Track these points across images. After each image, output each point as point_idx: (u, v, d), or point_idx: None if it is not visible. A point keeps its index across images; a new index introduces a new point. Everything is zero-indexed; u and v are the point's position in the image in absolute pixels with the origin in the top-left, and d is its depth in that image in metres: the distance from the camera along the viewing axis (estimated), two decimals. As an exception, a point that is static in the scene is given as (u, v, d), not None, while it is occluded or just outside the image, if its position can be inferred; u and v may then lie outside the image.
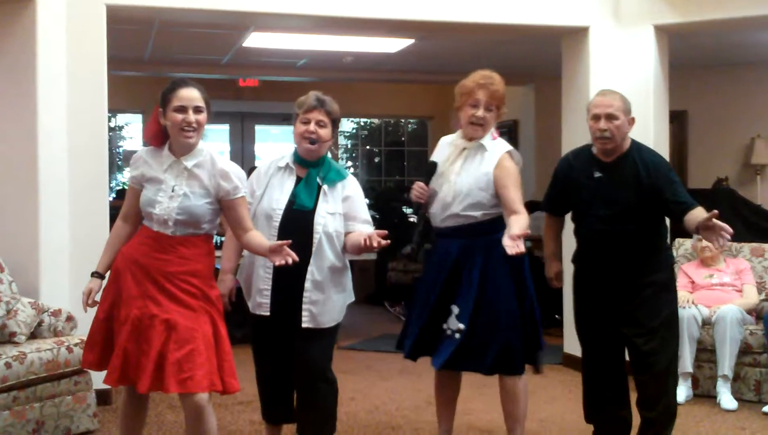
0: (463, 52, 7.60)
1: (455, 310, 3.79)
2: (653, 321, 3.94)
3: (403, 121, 12.05)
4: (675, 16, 5.66)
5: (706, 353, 5.31)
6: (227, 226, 3.58)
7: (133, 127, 11.64)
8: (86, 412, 4.46)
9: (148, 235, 3.35)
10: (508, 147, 3.88)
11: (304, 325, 3.61)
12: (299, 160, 3.73)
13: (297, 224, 3.59)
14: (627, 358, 4.08)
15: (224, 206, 3.39)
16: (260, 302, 3.66)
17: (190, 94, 3.32)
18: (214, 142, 10.67)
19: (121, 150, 11.64)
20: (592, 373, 4.15)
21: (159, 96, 3.37)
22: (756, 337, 5.23)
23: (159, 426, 4.66)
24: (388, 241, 3.46)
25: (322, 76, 8.93)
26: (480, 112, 3.81)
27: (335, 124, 3.73)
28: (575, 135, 5.65)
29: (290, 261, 3.21)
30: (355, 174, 11.23)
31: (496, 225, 3.76)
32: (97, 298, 3.45)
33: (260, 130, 11.26)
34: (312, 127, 3.64)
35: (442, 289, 3.82)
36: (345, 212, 3.69)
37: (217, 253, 3.54)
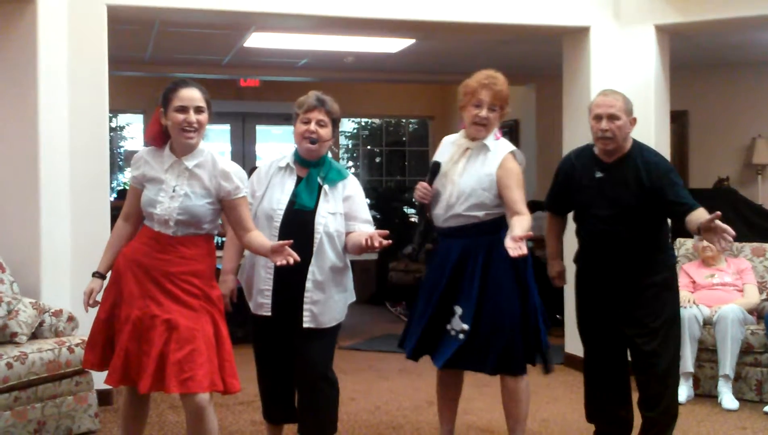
0: (463, 52, 7.60)
1: (458, 310, 3.78)
2: (655, 321, 3.93)
3: (404, 121, 12.04)
4: (676, 16, 5.65)
5: (707, 353, 5.31)
6: (228, 226, 3.58)
7: (134, 127, 11.63)
8: (87, 413, 4.46)
9: (149, 235, 3.35)
10: (512, 147, 3.88)
11: (305, 325, 3.61)
12: (300, 160, 3.73)
13: (298, 224, 3.59)
14: (629, 358, 4.09)
15: (225, 206, 3.39)
16: (261, 302, 3.66)
17: (191, 94, 3.32)
18: (215, 143, 10.67)
19: (122, 150, 11.63)
20: (593, 373, 4.15)
21: (160, 96, 3.37)
22: (757, 336, 5.23)
23: (160, 426, 4.67)
24: (390, 241, 3.46)
25: (322, 76, 8.94)
26: (483, 112, 3.80)
27: (335, 123, 3.73)
28: (576, 135, 5.65)
29: (291, 261, 3.21)
30: (356, 174, 11.22)
31: (498, 225, 3.76)
32: (98, 298, 3.45)
33: (261, 130, 11.25)
34: (312, 126, 3.64)
35: (445, 289, 3.82)
36: (346, 212, 3.69)
37: (218, 253, 3.55)
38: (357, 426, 4.73)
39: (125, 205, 3.53)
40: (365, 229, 3.67)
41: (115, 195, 9.86)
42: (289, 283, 3.58)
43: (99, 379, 3.93)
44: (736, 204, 6.86)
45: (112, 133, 10.76)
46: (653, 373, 3.96)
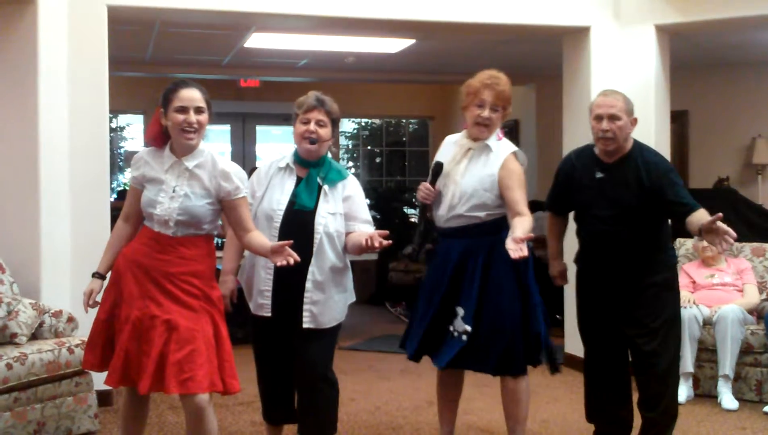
0: (464, 52, 7.61)
1: (461, 311, 3.78)
2: (655, 321, 3.93)
3: (404, 121, 12.04)
4: (676, 16, 5.65)
5: (707, 353, 5.31)
6: (228, 227, 3.58)
7: (134, 127, 11.63)
8: (87, 413, 4.46)
9: (149, 235, 3.35)
10: (514, 148, 3.87)
11: (305, 325, 3.61)
12: (299, 160, 3.73)
13: (298, 224, 3.58)
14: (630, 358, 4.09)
15: (225, 207, 3.39)
16: (261, 303, 3.66)
17: (191, 95, 3.32)
18: (216, 143, 10.67)
19: (122, 151, 11.63)
20: (594, 373, 4.15)
21: (160, 97, 3.37)
22: (757, 336, 5.23)
23: (160, 427, 4.66)
24: (390, 242, 3.46)
25: (323, 77, 8.94)
26: (486, 113, 3.80)
27: (335, 123, 3.73)
28: (576, 135, 5.65)
29: (291, 261, 3.21)
30: (356, 174, 11.22)
31: (499, 225, 3.76)
32: (98, 298, 3.45)
33: (261, 130, 11.25)
34: (312, 126, 3.64)
35: (446, 290, 3.82)
36: (346, 212, 3.69)
37: (218, 253, 3.54)
38: (357, 426, 4.73)
39: (125, 206, 3.53)
40: (365, 229, 3.67)
41: (115, 195, 9.86)
42: (289, 284, 3.58)
43: (99, 380, 3.93)
44: (736, 204, 6.86)
45: (112, 134, 10.76)
46: (653, 373, 3.96)
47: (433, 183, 3.87)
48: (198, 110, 3.31)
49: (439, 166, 3.88)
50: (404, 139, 12.10)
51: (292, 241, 3.25)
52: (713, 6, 5.52)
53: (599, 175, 3.97)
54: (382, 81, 9.87)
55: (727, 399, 5.11)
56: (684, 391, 5.11)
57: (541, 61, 7.58)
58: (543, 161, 8.40)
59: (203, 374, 3.19)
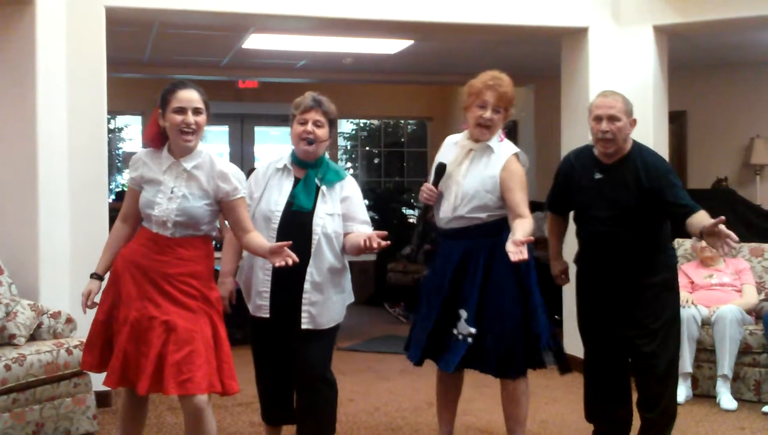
0: (462, 53, 7.61)
1: (464, 314, 3.76)
2: (655, 322, 3.93)
3: (402, 122, 12.05)
4: (674, 16, 5.66)
5: (705, 353, 5.31)
6: (225, 230, 3.58)
7: (132, 128, 11.64)
8: (86, 414, 4.45)
9: (147, 236, 3.35)
10: (515, 149, 3.87)
11: (303, 326, 3.61)
12: (297, 161, 3.72)
13: (296, 226, 3.58)
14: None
15: (224, 208, 3.39)
16: (260, 304, 3.66)
17: (189, 96, 3.32)
18: (214, 144, 10.67)
19: (120, 152, 11.63)
20: (594, 373, 4.15)
21: (158, 98, 3.37)
22: (755, 337, 5.23)
23: (159, 428, 4.66)
24: (388, 242, 3.45)
25: (321, 78, 8.94)
26: (488, 114, 3.79)
27: (332, 124, 3.73)
28: (575, 135, 5.66)
29: (290, 262, 3.21)
30: (354, 175, 11.22)
31: (500, 226, 3.75)
32: (97, 299, 3.45)
33: (260, 131, 11.26)
34: (309, 127, 3.63)
35: (447, 292, 3.81)
36: (344, 213, 3.69)
37: (217, 254, 3.54)
38: (356, 427, 4.73)
39: (123, 207, 3.53)
40: (363, 229, 3.66)
41: (113, 196, 9.86)
42: (288, 285, 3.58)
43: (97, 381, 3.92)
44: (735, 204, 6.87)
45: (110, 135, 10.76)
46: (652, 373, 3.96)
47: (435, 184, 3.86)
48: (196, 111, 3.31)
49: (442, 167, 3.87)
50: (403, 139, 12.10)
51: (290, 242, 3.25)
52: (712, 6, 5.52)
53: (598, 176, 3.97)
54: (380, 82, 9.88)
55: (726, 399, 5.11)
56: (683, 392, 5.11)
57: (540, 61, 7.58)
58: (541, 162, 8.40)
59: (202, 375, 3.19)
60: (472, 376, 3.99)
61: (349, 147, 12.13)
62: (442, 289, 3.83)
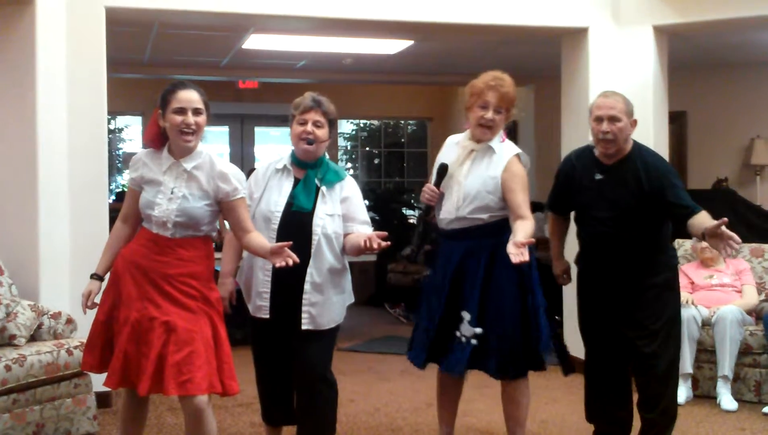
0: (462, 53, 7.61)
1: (467, 316, 3.75)
2: (655, 323, 3.93)
3: (402, 122, 12.05)
4: (674, 16, 5.65)
5: (706, 354, 5.31)
6: (225, 232, 3.58)
7: (132, 129, 11.64)
8: (86, 415, 4.45)
9: (148, 237, 3.35)
10: (517, 150, 3.85)
11: (303, 327, 3.61)
12: (297, 161, 3.72)
13: (296, 226, 3.58)
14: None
15: (224, 208, 3.39)
16: (260, 305, 3.66)
17: (190, 96, 3.32)
18: (214, 144, 10.67)
19: (120, 152, 11.63)
20: (594, 374, 4.14)
21: (158, 98, 3.37)
22: (756, 337, 5.23)
23: (159, 428, 4.66)
24: (388, 243, 3.45)
25: (321, 78, 8.94)
26: (489, 114, 3.78)
27: (332, 124, 3.73)
28: (575, 136, 5.66)
29: (291, 262, 3.21)
30: (354, 175, 11.23)
31: (501, 227, 3.74)
32: (97, 299, 3.45)
33: (260, 132, 11.26)
34: (309, 127, 3.63)
35: (449, 293, 3.80)
36: (344, 213, 3.68)
37: (217, 255, 3.54)
38: (356, 428, 4.73)
39: (123, 207, 3.53)
40: (363, 230, 3.66)
41: (113, 197, 9.86)
42: (288, 285, 3.58)
43: (98, 382, 3.92)
44: (735, 205, 6.87)
45: (110, 135, 10.75)
46: (653, 374, 3.96)
47: (437, 184, 3.86)
48: (196, 111, 3.31)
49: (444, 168, 3.86)
50: (403, 140, 12.10)
51: (291, 242, 3.25)
52: (711, 7, 5.52)
53: (599, 176, 3.96)
54: (380, 82, 9.88)
55: (726, 400, 5.10)
56: (683, 392, 5.11)
57: (540, 62, 7.58)
58: (541, 162, 8.40)
59: (202, 376, 3.19)
60: (473, 377, 3.99)
61: (349, 147, 12.13)
62: (442, 289, 3.82)
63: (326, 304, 3.64)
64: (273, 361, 3.77)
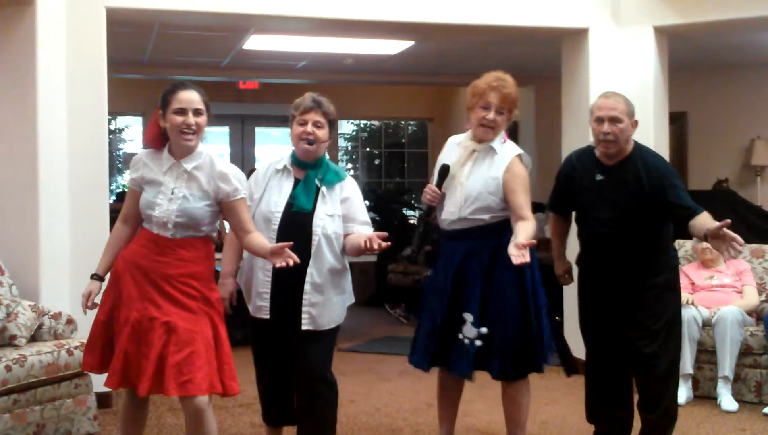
0: (462, 54, 7.61)
1: (469, 317, 3.74)
2: (656, 324, 3.93)
3: (403, 122, 12.05)
4: (675, 17, 5.66)
5: (706, 354, 5.31)
6: (224, 233, 3.58)
7: (133, 129, 11.64)
8: (87, 415, 4.45)
9: (148, 237, 3.35)
10: (519, 150, 3.85)
11: (303, 327, 3.61)
12: (297, 162, 3.72)
13: (296, 226, 3.58)
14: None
15: (224, 208, 3.39)
16: (260, 305, 3.66)
17: (190, 97, 3.32)
18: (214, 145, 10.67)
19: (121, 152, 11.63)
20: (595, 374, 4.14)
21: (159, 98, 3.37)
22: (756, 338, 5.23)
23: (159, 429, 4.66)
24: (389, 243, 3.45)
25: (322, 78, 8.94)
26: (491, 115, 3.77)
27: (332, 124, 3.73)
28: (575, 136, 5.66)
29: (291, 263, 3.21)
30: (355, 176, 11.22)
31: (503, 228, 3.74)
32: (97, 300, 3.45)
33: (260, 132, 11.26)
34: (309, 128, 3.63)
35: (450, 294, 3.79)
36: (344, 214, 3.68)
37: (218, 255, 3.54)
38: (356, 428, 4.73)
39: (124, 207, 3.53)
40: (363, 230, 3.66)
41: (113, 197, 9.86)
42: (288, 286, 3.58)
43: (98, 382, 3.92)
44: (735, 205, 6.86)
45: (111, 136, 10.75)
46: (653, 374, 3.96)
47: (439, 185, 3.85)
48: (197, 112, 3.32)
49: (445, 169, 3.85)
50: (403, 140, 12.10)
51: (291, 243, 3.25)
52: (712, 7, 5.53)
53: (599, 177, 3.96)
54: (381, 83, 9.88)
55: (727, 400, 5.10)
56: (683, 393, 5.11)
57: (540, 62, 7.58)
58: (542, 163, 8.38)
59: (202, 376, 3.19)
60: (474, 377, 3.98)
61: (349, 148, 12.13)
62: (444, 290, 3.81)
63: (326, 304, 3.64)
64: (273, 361, 3.77)
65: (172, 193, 3.32)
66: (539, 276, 3.80)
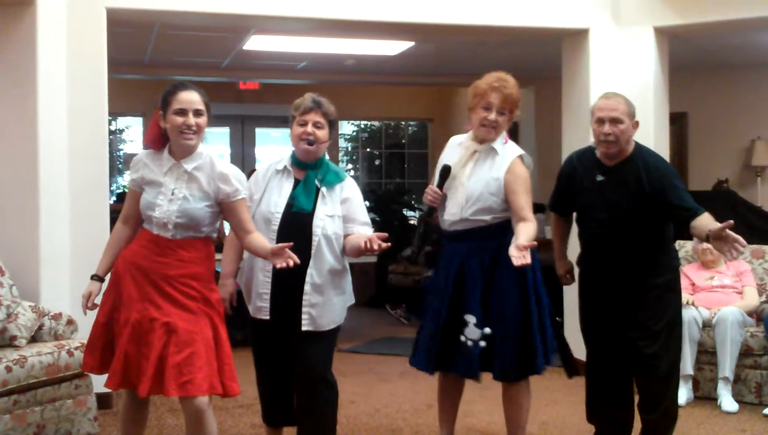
0: (463, 55, 7.61)
1: (471, 319, 3.73)
2: (657, 324, 3.93)
3: (403, 123, 12.05)
4: (675, 17, 5.65)
5: (706, 355, 5.31)
6: (224, 233, 3.58)
7: (133, 130, 11.64)
8: (87, 416, 4.45)
9: (148, 238, 3.35)
10: (520, 151, 3.85)
11: (303, 328, 3.60)
12: (297, 162, 3.72)
13: (296, 227, 3.58)
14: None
15: (224, 209, 3.39)
16: (260, 306, 3.66)
17: (190, 97, 3.32)
18: (215, 146, 10.68)
19: (121, 153, 11.63)
20: (596, 375, 4.14)
21: (159, 99, 3.37)
22: (757, 339, 5.23)
23: (159, 430, 4.66)
24: (389, 244, 3.45)
25: (322, 79, 8.94)
26: (492, 116, 3.77)
27: (332, 125, 3.73)
28: (575, 137, 5.66)
29: (291, 263, 3.21)
30: (355, 177, 11.23)
31: (504, 229, 3.74)
32: (97, 301, 3.45)
33: (261, 133, 11.26)
34: (309, 128, 3.63)
35: (451, 295, 3.78)
36: (344, 214, 3.68)
37: (218, 256, 3.54)
38: (356, 429, 4.73)
39: (124, 208, 3.53)
40: (364, 231, 3.66)
41: (114, 198, 9.86)
42: (288, 287, 3.58)
43: (98, 383, 3.92)
44: (736, 206, 6.86)
45: (111, 136, 10.76)
46: (654, 375, 3.96)
47: (440, 186, 3.85)
48: (197, 113, 3.32)
49: (447, 169, 3.85)
50: (403, 141, 12.11)
51: (292, 244, 3.25)
52: (712, 8, 5.53)
53: (600, 178, 3.96)
54: (381, 83, 9.88)
55: (727, 401, 5.10)
56: (684, 394, 5.10)
57: (540, 63, 7.58)
58: (542, 163, 8.38)
59: (202, 377, 3.19)
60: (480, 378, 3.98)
61: (349, 148, 12.13)
62: (445, 291, 3.81)
63: (326, 305, 3.64)
64: (273, 362, 3.77)
65: (173, 193, 3.32)
66: (541, 277, 3.79)
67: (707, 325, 5.29)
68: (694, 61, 7.51)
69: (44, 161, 4.80)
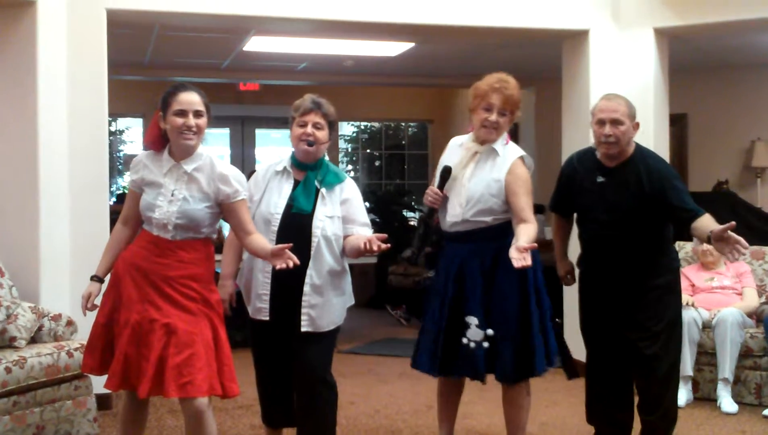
0: (463, 56, 7.61)
1: (473, 320, 3.73)
2: (657, 325, 3.93)
3: (403, 124, 12.05)
4: (675, 19, 5.66)
5: (706, 356, 5.31)
6: (223, 234, 3.58)
7: (133, 131, 11.64)
8: (86, 417, 4.45)
9: (148, 239, 3.36)
10: (521, 152, 3.85)
11: (303, 329, 3.60)
12: (297, 163, 3.72)
13: (295, 228, 3.57)
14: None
15: (225, 210, 3.39)
16: (259, 307, 3.66)
17: (190, 98, 3.32)
18: (215, 146, 10.67)
19: (121, 154, 11.63)
20: (596, 375, 4.14)
21: (159, 100, 3.37)
22: (756, 340, 5.23)
23: (159, 430, 4.66)
24: (388, 245, 3.45)
25: (322, 80, 8.94)
26: (493, 117, 3.76)
27: (332, 126, 3.72)
28: (576, 138, 5.66)
29: (291, 264, 3.21)
30: (355, 178, 11.22)
31: (505, 230, 3.74)
32: (97, 301, 3.45)
33: (261, 134, 11.27)
34: (309, 129, 3.63)
35: (452, 297, 3.78)
36: (344, 215, 3.68)
37: (217, 257, 3.54)
38: (356, 430, 4.73)
39: (124, 209, 3.53)
40: (363, 232, 3.66)
41: (114, 199, 9.86)
42: (287, 287, 3.57)
43: (98, 384, 3.92)
44: (736, 207, 6.86)
45: (111, 137, 10.76)
46: (654, 376, 3.96)
47: (441, 187, 3.85)
48: (197, 114, 3.32)
49: (447, 171, 3.85)
50: (403, 142, 12.11)
51: (292, 244, 3.25)
52: (712, 9, 5.53)
53: (600, 179, 3.96)
54: (381, 84, 9.88)
55: (727, 402, 5.10)
56: (683, 395, 5.10)
57: (541, 64, 7.58)
58: (542, 164, 8.35)
59: (202, 378, 3.19)
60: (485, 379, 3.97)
61: (349, 149, 12.13)
62: (446, 293, 3.81)
63: (326, 306, 3.64)
64: (273, 363, 3.77)
65: (173, 194, 3.32)
66: (542, 278, 3.79)
67: (707, 326, 5.29)
68: (694, 62, 7.51)
69: (44, 162, 4.81)
